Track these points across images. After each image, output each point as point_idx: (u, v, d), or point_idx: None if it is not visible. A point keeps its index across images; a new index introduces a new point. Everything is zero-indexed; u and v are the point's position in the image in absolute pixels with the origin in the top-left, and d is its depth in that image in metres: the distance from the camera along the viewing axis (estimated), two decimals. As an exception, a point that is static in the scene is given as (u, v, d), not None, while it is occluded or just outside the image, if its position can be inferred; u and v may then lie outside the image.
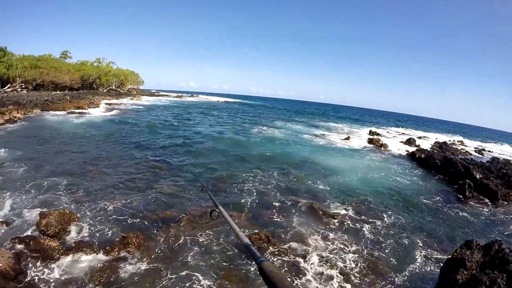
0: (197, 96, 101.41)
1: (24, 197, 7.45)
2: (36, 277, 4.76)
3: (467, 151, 25.36)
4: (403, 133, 37.66)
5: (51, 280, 4.73)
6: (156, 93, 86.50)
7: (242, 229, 6.92)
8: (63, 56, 56.08)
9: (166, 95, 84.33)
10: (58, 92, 41.07)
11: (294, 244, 6.57)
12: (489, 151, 28.80)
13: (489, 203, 11.42)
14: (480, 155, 24.33)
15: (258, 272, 1.00)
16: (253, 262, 1.30)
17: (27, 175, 9.02)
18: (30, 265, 5.00)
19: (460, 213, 9.93)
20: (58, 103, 28.58)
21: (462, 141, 34.33)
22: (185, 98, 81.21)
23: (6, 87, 34.20)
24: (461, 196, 11.75)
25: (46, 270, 4.93)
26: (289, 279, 4.95)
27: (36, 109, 23.39)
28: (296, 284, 5.23)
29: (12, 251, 5.15)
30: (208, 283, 5.04)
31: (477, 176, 13.09)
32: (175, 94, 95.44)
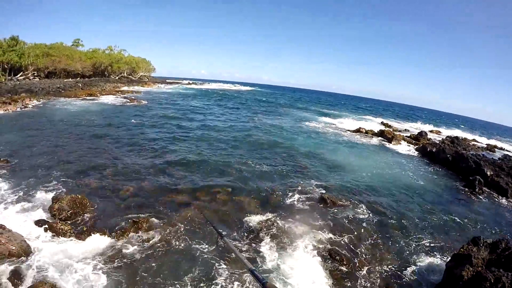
0: (209, 83, 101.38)
1: (37, 182, 7.69)
2: (48, 260, 4.89)
3: (478, 147, 24.79)
4: (416, 127, 36.97)
5: (62, 263, 4.86)
6: (167, 81, 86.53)
7: (249, 214, 7.08)
8: (75, 44, 56.46)
9: (178, 83, 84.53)
10: (70, 79, 41.68)
11: (299, 231, 6.65)
12: (501, 148, 28.07)
13: (498, 200, 11.26)
14: (492, 152, 23.76)
15: None
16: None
17: (40, 160, 9.27)
18: (42, 248, 5.15)
19: (469, 209, 9.82)
20: (70, 90, 29.10)
21: (474, 138, 33.52)
22: (197, 85, 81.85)
23: (18, 75, 34.79)
24: (470, 192, 11.59)
25: (57, 253, 5.09)
26: None
27: (49, 96, 23.84)
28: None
29: (25, 234, 5.33)
30: (219, 270, 5.16)
31: (488, 173, 12.86)
32: (186, 82, 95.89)
